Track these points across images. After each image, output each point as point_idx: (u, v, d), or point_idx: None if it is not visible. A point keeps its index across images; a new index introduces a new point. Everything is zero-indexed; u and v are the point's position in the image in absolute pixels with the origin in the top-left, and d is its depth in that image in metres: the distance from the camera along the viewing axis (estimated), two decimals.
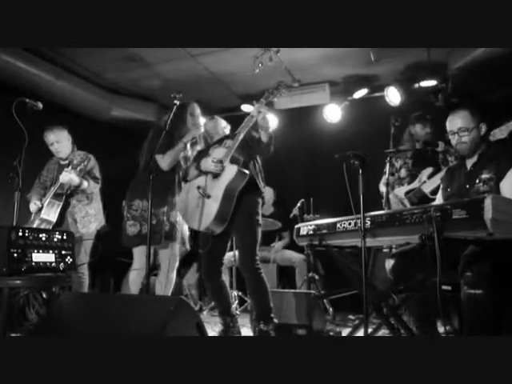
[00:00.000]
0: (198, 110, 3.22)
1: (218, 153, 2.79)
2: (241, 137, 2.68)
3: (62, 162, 3.51)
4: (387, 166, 3.41)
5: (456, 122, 2.39)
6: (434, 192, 3.13)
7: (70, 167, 3.25)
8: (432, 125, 3.50)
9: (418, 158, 3.44)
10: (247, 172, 2.67)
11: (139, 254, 3.07)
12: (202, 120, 3.26)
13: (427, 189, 3.17)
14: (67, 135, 3.56)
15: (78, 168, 3.29)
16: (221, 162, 2.70)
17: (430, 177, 3.19)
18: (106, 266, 4.61)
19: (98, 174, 3.59)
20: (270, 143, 2.70)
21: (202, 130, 3.19)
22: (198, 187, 2.78)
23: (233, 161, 2.68)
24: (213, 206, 2.67)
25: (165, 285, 3.10)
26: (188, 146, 3.18)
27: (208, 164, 2.74)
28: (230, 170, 2.65)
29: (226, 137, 2.96)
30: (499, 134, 2.82)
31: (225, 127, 3.15)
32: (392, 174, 3.63)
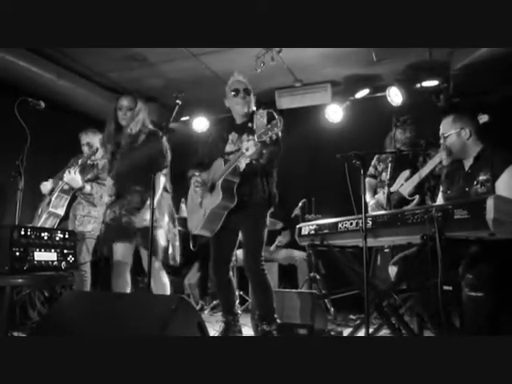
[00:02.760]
0: (125, 103, 2.89)
1: (217, 165, 2.80)
2: (229, 170, 2.66)
3: (74, 167, 3.55)
4: (389, 166, 3.43)
5: (440, 127, 2.50)
6: (412, 194, 3.21)
7: (76, 166, 3.28)
8: (412, 129, 3.57)
9: (399, 161, 3.48)
10: (233, 199, 2.66)
11: None
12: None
13: (405, 191, 3.24)
14: (100, 139, 3.62)
15: (88, 162, 3.38)
16: (203, 183, 2.81)
17: (408, 179, 3.25)
18: (106, 265, 4.61)
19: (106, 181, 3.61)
20: (269, 160, 2.69)
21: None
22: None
23: (224, 184, 2.67)
24: (204, 215, 2.75)
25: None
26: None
27: (192, 182, 2.85)
28: (216, 196, 2.68)
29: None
30: None
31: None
32: (375, 177, 3.70)
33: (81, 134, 3.66)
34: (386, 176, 3.53)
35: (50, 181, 3.55)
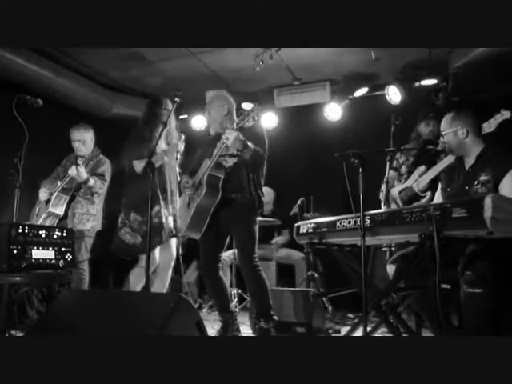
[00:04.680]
0: (170, 105, 3.18)
1: (204, 165, 2.87)
2: (213, 162, 2.74)
3: (79, 160, 3.54)
4: (387, 164, 3.41)
5: (441, 124, 2.51)
6: (424, 190, 3.15)
7: (80, 162, 3.28)
8: (435, 123, 3.49)
9: (419, 156, 3.44)
10: (217, 194, 2.70)
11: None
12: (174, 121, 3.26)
13: (417, 187, 3.20)
14: (91, 136, 3.61)
15: (89, 163, 3.38)
16: (193, 184, 2.85)
17: (422, 175, 3.22)
18: (105, 263, 4.62)
19: (107, 177, 3.61)
20: (254, 158, 2.71)
21: (182, 147, 3.22)
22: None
23: (209, 179, 2.72)
24: (190, 214, 2.79)
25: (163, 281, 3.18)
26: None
27: (181, 185, 2.91)
28: (201, 191, 2.74)
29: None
30: (487, 127, 2.82)
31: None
32: (396, 169, 3.63)
33: (72, 129, 3.55)
34: (405, 169, 3.49)
35: (42, 189, 3.50)
